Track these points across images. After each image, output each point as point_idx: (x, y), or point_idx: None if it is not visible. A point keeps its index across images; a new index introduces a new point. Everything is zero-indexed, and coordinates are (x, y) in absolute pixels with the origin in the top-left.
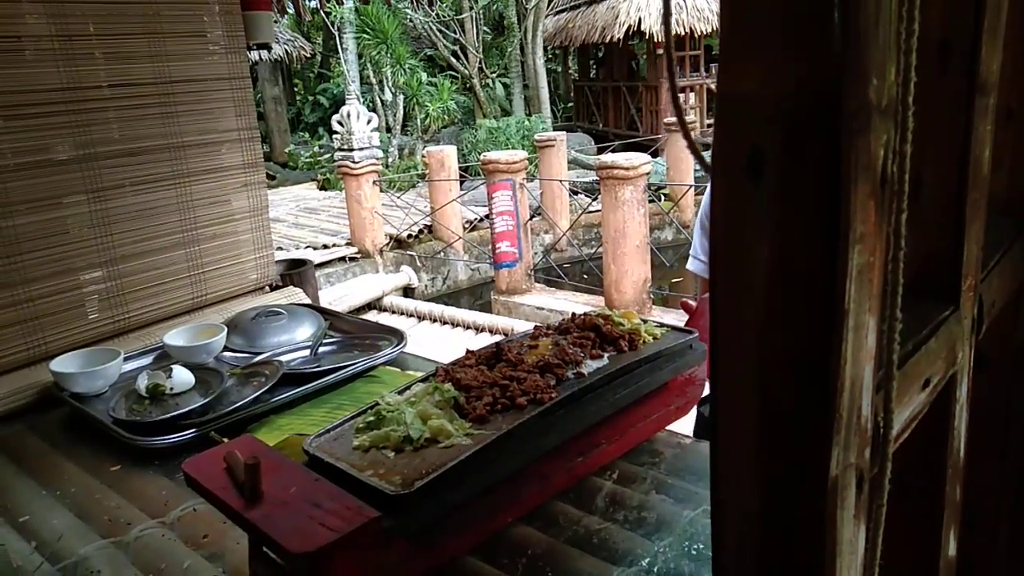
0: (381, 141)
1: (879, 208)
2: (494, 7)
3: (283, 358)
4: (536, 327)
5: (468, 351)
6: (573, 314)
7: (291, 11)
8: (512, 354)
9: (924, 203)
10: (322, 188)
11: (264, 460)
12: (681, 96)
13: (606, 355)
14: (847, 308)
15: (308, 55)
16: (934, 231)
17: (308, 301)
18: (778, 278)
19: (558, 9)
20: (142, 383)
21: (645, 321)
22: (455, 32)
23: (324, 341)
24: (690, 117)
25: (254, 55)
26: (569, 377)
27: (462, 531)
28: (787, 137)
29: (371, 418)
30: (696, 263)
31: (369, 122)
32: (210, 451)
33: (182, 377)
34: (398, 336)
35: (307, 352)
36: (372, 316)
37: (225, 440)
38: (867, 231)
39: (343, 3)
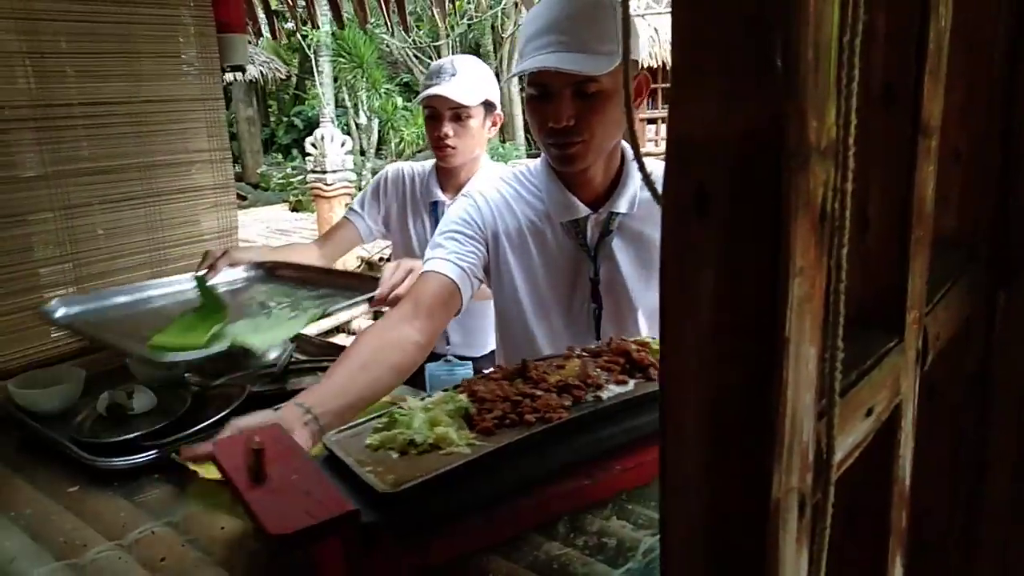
0: (355, 164)
1: (819, 243)
2: (470, 35)
3: (249, 380)
4: (569, 348)
5: (497, 366)
6: (611, 338)
7: (267, 34)
8: (537, 372)
9: (870, 239)
10: (294, 210)
11: (278, 447)
12: (652, 127)
13: (632, 382)
14: (788, 337)
15: (283, 77)
16: (880, 265)
17: None
18: (724, 309)
19: None
20: (103, 403)
21: None
22: (431, 58)
23: (290, 364)
24: (661, 148)
25: (228, 76)
26: (587, 400)
27: (452, 538)
28: (732, 176)
29: (386, 419)
30: None
31: (343, 145)
32: (240, 436)
33: (144, 397)
34: None
35: (272, 374)
36: (341, 339)
37: (186, 463)
38: (807, 265)
39: (319, 27)
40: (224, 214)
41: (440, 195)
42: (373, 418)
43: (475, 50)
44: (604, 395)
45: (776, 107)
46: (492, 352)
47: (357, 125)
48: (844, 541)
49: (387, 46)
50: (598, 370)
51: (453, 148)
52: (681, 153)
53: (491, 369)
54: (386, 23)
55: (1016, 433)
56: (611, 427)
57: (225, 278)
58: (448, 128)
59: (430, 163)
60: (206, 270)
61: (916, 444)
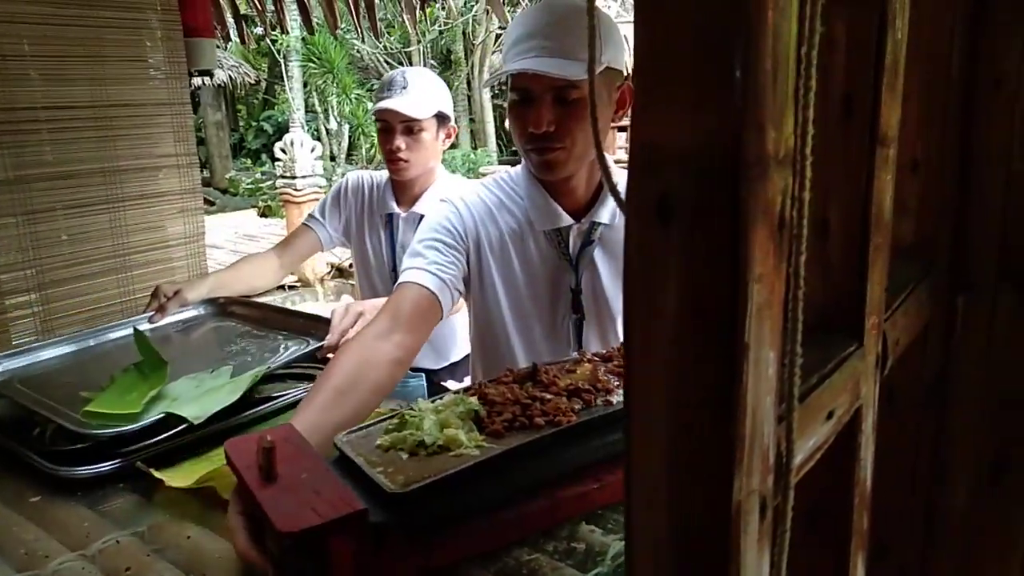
0: (325, 169)
1: (778, 251)
2: (442, 42)
3: None
4: (581, 351)
5: (508, 369)
6: (622, 344)
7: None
8: (547, 376)
9: (831, 246)
10: (263, 215)
11: (290, 447)
12: (623, 135)
13: None
14: (747, 343)
15: (253, 81)
16: (840, 272)
17: None
18: (686, 315)
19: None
20: None
21: None
22: (403, 64)
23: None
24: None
25: (197, 80)
26: (598, 404)
27: (460, 540)
28: (693, 185)
29: (396, 421)
30: None
31: (313, 150)
32: (253, 435)
33: None
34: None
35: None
36: None
37: (152, 471)
38: (765, 272)
39: (289, 32)
40: (191, 219)
41: (395, 208)
42: (384, 419)
43: (446, 56)
44: (614, 399)
45: (735, 117)
46: (454, 363)
47: (328, 130)
48: (806, 543)
49: (358, 51)
50: (608, 375)
51: (406, 161)
52: (644, 161)
53: (450, 381)
54: (356, 28)
55: (974, 438)
56: (621, 431)
57: (178, 317)
58: (400, 141)
59: (385, 174)
60: (154, 311)
61: (877, 448)
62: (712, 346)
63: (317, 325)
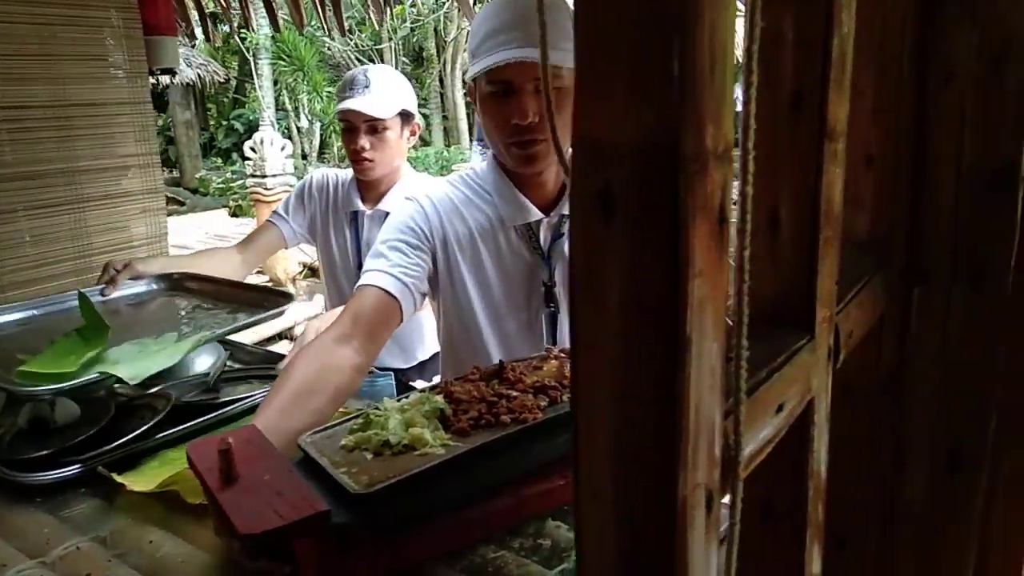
0: (296, 168)
1: (719, 245)
2: (413, 39)
3: (180, 390)
4: (548, 349)
5: (475, 367)
6: None
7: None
8: (514, 373)
9: (781, 240)
10: (234, 215)
11: (252, 448)
12: None
13: None
14: (689, 337)
15: (222, 80)
16: (791, 266)
17: None
18: (629, 308)
19: None
20: (24, 415)
21: None
22: (374, 61)
23: (224, 372)
24: None
25: (165, 79)
26: (563, 401)
27: (425, 539)
28: (634, 180)
29: (361, 420)
30: None
31: (283, 149)
32: (215, 438)
33: (67, 409)
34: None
35: (205, 384)
36: (284, 346)
37: (113, 475)
38: (706, 266)
39: (255, 30)
40: (153, 220)
41: (360, 205)
42: (349, 419)
43: (418, 53)
44: None
45: (673, 113)
46: (423, 362)
47: (299, 128)
48: (762, 536)
49: (329, 49)
50: None
51: (371, 161)
52: (585, 156)
53: (419, 381)
54: (323, 27)
55: (931, 430)
56: None
57: (131, 290)
58: (365, 141)
59: (351, 172)
60: (105, 284)
61: (834, 440)
62: (655, 340)
63: (271, 297)
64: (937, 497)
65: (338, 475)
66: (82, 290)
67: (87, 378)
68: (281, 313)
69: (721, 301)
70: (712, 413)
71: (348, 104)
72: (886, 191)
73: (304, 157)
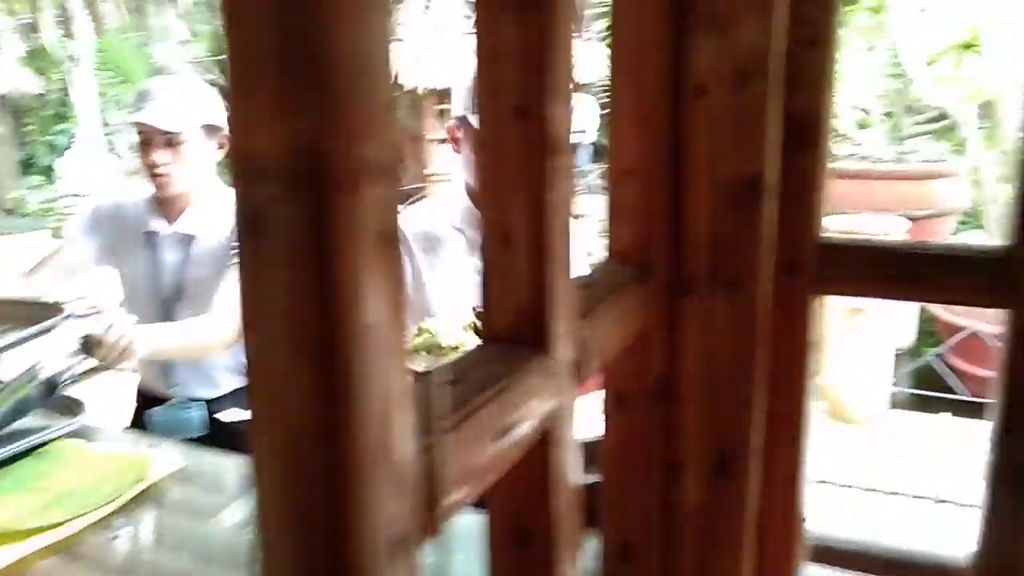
0: (123, 186)
1: (387, 266)
2: None
3: None
4: None
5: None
6: None
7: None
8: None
9: (514, 256)
10: (58, 237)
11: None
12: (444, 145)
13: None
14: (351, 369)
15: (41, 92)
16: (523, 282)
17: None
18: (290, 338)
19: None
20: None
21: None
22: (214, 73)
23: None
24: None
25: None
26: None
27: None
28: (284, 197)
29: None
30: None
31: (104, 165)
32: None
33: None
34: (77, 406)
35: None
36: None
37: None
38: (371, 289)
39: (75, 37)
40: None
41: (154, 226)
42: None
43: None
44: None
45: (318, 127)
46: (234, 391)
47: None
48: (518, 562)
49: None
50: None
51: (167, 176)
52: (239, 171)
53: (230, 411)
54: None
55: (702, 435)
56: None
57: None
58: (159, 155)
59: (144, 191)
60: None
61: (613, 450)
62: (322, 373)
63: (41, 311)
64: (712, 500)
65: None
66: None
67: None
68: (49, 329)
69: (395, 327)
70: (402, 449)
71: (138, 116)
72: (648, 203)
73: (136, 173)
